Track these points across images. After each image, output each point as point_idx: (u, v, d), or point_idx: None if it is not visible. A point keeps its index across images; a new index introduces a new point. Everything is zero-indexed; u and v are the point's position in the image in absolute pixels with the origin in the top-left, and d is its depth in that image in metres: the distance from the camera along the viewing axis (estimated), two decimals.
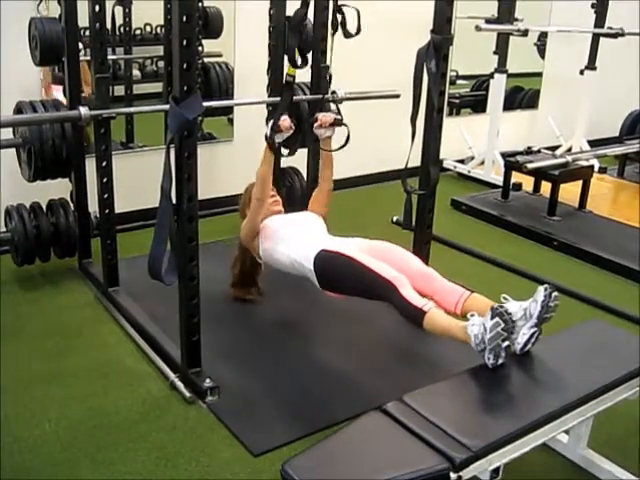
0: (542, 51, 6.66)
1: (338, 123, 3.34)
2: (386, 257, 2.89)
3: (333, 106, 3.85)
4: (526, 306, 2.37)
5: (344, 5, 3.33)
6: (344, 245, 2.99)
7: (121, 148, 4.51)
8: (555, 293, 2.38)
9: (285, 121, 3.15)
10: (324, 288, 2.99)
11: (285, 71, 3.18)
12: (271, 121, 3.13)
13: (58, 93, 4.01)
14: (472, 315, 2.39)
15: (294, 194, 4.31)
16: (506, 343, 2.24)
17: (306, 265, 2.98)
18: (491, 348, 2.22)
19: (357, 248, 2.97)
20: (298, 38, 3.20)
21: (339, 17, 3.31)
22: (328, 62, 3.42)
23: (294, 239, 3.14)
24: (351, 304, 3.55)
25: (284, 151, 3.65)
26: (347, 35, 3.34)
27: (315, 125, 3.39)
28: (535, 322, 2.32)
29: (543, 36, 6.53)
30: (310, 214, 3.45)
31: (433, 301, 2.69)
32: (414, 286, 2.72)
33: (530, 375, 2.29)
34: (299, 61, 3.22)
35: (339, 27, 3.33)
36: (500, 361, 2.23)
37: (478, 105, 6.50)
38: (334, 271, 2.91)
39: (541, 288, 2.38)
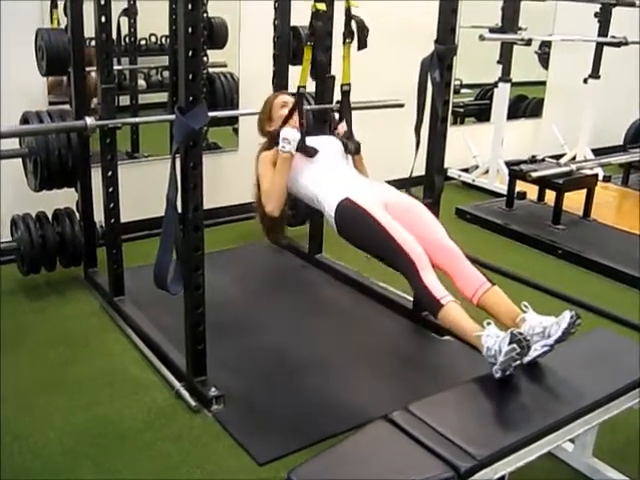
0: (543, 60, 6.66)
1: (347, 136, 3.33)
2: (413, 221, 2.79)
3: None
4: (547, 325, 2.34)
5: (355, 17, 3.36)
6: (371, 197, 2.85)
7: (126, 158, 4.53)
8: (579, 320, 2.35)
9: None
10: (342, 236, 2.88)
11: (297, 83, 3.19)
12: (285, 131, 3.05)
13: None
14: (489, 324, 2.35)
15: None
16: (517, 363, 2.23)
17: (327, 210, 2.89)
18: (502, 368, 2.21)
19: (384, 202, 2.84)
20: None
21: (354, 27, 3.34)
22: (344, 72, 3.42)
23: (316, 173, 3.02)
24: (357, 310, 3.57)
25: None
26: (360, 47, 3.35)
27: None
28: (551, 343, 2.30)
29: (544, 45, 6.54)
30: (331, 139, 3.31)
31: (451, 280, 2.65)
32: (435, 259, 2.64)
33: (536, 384, 2.29)
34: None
35: (353, 37, 3.35)
36: (506, 374, 2.23)
37: (482, 114, 6.52)
38: (355, 228, 2.79)
39: (567, 314, 2.34)
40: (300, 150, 3.03)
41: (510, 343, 2.20)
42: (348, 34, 3.38)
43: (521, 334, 2.24)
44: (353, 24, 3.38)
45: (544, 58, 6.66)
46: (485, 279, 2.64)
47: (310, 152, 3.06)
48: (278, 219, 3.16)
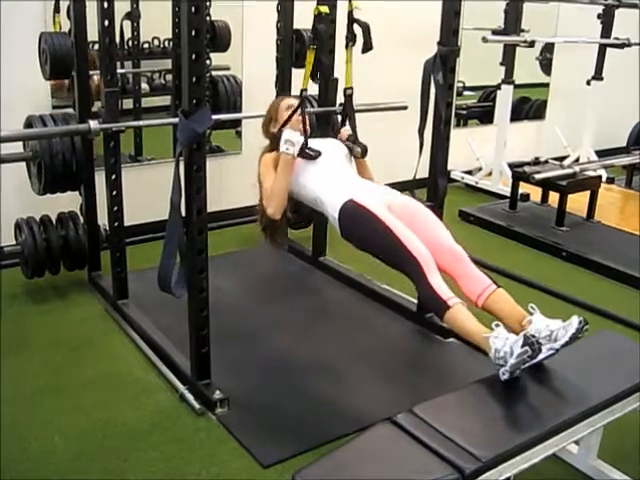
0: (545, 66, 6.66)
1: (351, 139, 3.32)
2: (418, 223, 2.75)
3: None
4: (554, 329, 2.33)
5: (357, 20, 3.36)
6: (375, 198, 2.82)
7: (130, 161, 4.54)
8: (587, 327, 2.34)
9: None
10: (345, 238, 2.85)
11: (301, 86, 3.19)
12: (287, 134, 3.00)
13: None
14: (497, 325, 2.34)
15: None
16: (525, 365, 2.22)
17: (330, 211, 2.85)
18: (511, 370, 2.20)
19: (389, 204, 2.82)
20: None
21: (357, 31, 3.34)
22: (347, 76, 3.42)
23: (319, 176, 2.98)
24: (360, 313, 3.57)
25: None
26: (365, 49, 3.35)
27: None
28: (557, 348, 2.29)
29: (545, 51, 6.54)
30: (335, 142, 3.28)
31: (455, 283, 2.63)
32: (439, 261, 2.61)
33: (540, 386, 2.28)
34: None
35: (355, 40, 3.35)
36: (513, 376, 2.23)
37: (485, 116, 6.51)
38: (359, 229, 2.76)
39: (575, 320, 2.33)
40: (302, 155, 2.99)
41: (523, 346, 2.19)
42: (351, 37, 3.39)
43: (534, 337, 2.23)
44: (356, 27, 3.39)
45: (545, 64, 6.65)
46: (490, 281, 2.61)
47: (312, 156, 3.03)
48: (279, 223, 3.13)
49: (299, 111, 3.12)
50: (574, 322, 2.32)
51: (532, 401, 2.21)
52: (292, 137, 2.97)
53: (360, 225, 2.75)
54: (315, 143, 3.10)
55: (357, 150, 3.22)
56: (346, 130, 3.38)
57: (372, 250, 2.77)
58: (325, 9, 3.29)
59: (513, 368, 2.19)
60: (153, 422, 2.72)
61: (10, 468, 2.43)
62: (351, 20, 3.37)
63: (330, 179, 2.97)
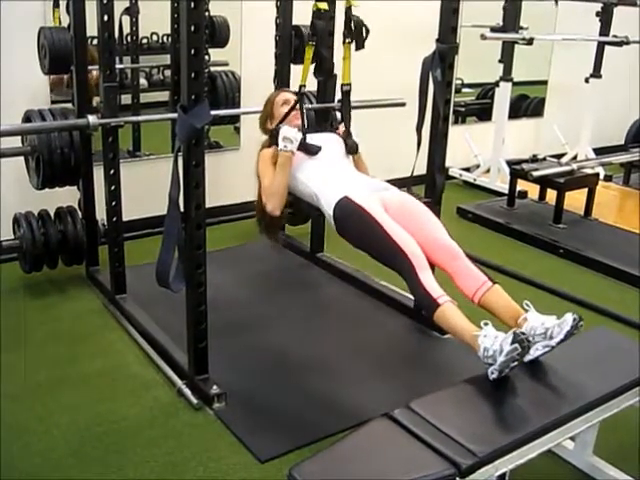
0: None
1: (345, 136, 3.32)
2: (414, 220, 2.77)
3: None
4: (549, 326, 2.34)
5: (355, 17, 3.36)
6: (370, 195, 2.83)
7: (128, 156, 4.54)
8: (582, 323, 2.34)
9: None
10: (340, 235, 2.86)
11: (299, 82, 3.19)
12: (285, 130, 3.01)
13: None
14: (486, 324, 2.34)
15: None
16: (514, 364, 2.23)
17: (326, 208, 2.87)
18: (500, 369, 2.21)
19: (384, 200, 2.83)
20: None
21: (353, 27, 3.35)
22: (344, 72, 3.42)
23: (316, 171, 3.00)
24: (358, 309, 3.58)
25: None
26: (359, 47, 3.36)
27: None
28: (553, 345, 2.30)
29: None
30: (333, 136, 3.28)
31: (452, 279, 2.64)
32: (436, 259, 2.65)
33: (536, 382, 2.29)
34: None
35: (353, 37, 3.36)
36: (502, 375, 2.23)
37: (483, 113, 6.52)
38: (353, 226, 2.77)
39: (570, 317, 2.33)
40: (302, 149, 3.02)
41: (512, 343, 2.19)
42: (348, 34, 3.39)
43: (524, 334, 2.23)
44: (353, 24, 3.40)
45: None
46: (486, 278, 2.61)
47: (312, 150, 3.05)
48: (277, 217, 3.13)
49: (296, 106, 3.14)
50: (568, 319, 2.33)
51: (528, 397, 2.22)
52: (289, 134, 2.98)
53: (354, 223, 2.77)
54: (313, 138, 3.12)
55: (350, 147, 3.24)
56: (342, 126, 3.38)
57: (366, 248, 2.78)
58: (324, 5, 3.29)
59: (502, 366, 2.19)
60: (151, 417, 2.73)
61: (10, 464, 2.43)
62: (349, 17, 3.38)
63: (327, 175, 2.98)
